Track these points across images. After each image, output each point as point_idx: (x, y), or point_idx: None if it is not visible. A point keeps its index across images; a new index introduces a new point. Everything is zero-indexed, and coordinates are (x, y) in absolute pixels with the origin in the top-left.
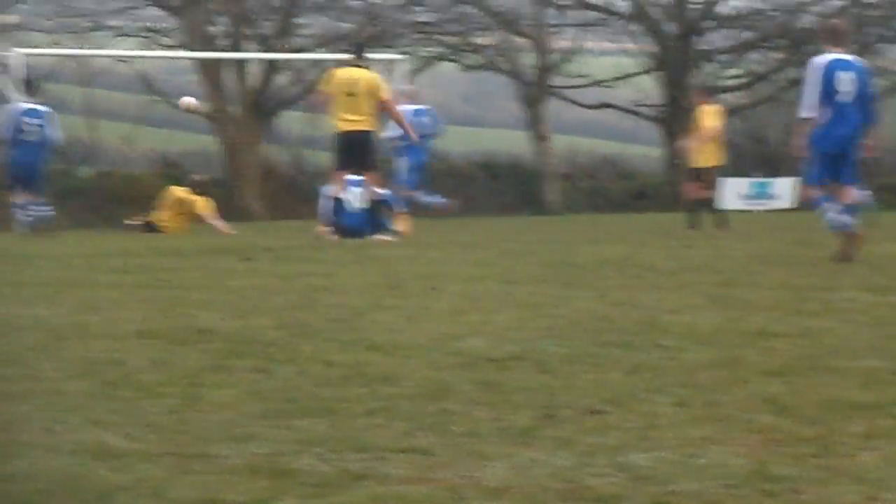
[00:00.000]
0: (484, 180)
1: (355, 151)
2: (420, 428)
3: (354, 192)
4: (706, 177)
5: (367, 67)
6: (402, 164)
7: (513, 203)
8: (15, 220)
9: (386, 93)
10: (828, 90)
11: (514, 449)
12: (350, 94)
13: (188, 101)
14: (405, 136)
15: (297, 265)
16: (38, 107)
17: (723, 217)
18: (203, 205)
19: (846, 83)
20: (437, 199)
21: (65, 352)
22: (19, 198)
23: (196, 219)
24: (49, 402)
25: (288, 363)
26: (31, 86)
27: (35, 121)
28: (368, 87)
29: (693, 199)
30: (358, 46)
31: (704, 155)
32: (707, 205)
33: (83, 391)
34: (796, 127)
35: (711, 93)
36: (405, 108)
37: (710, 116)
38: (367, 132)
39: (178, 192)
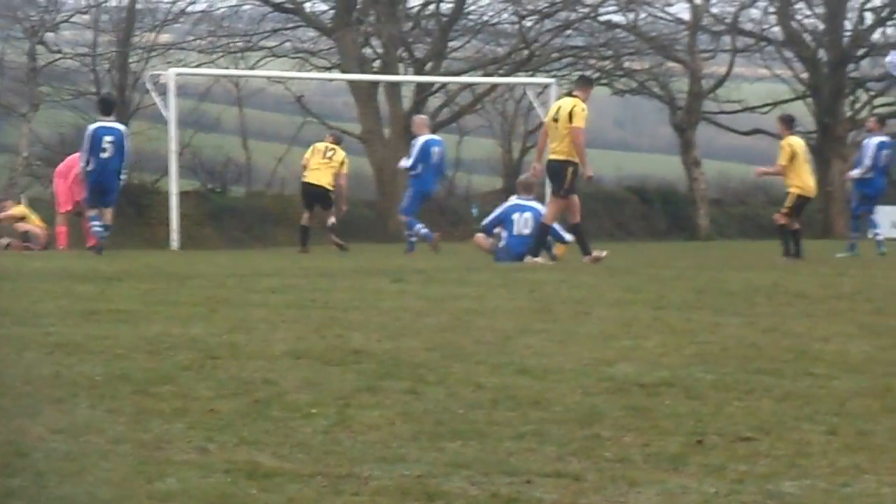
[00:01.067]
0: (635, 205)
1: (551, 178)
2: (570, 452)
3: (524, 218)
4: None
5: (579, 97)
6: (408, 192)
7: (663, 228)
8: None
9: (578, 120)
10: None
11: (664, 475)
12: (553, 121)
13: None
14: (415, 166)
15: (448, 287)
16: (114, 125)
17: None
18: (342, 158)
19: None
20: (426, 232)
21: (218, 371)
22: (92, 212)
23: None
24: (202, 420)
25: (438, 385)
26: (106, 103)
27: (110, 138)
28: (565, 115)
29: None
30: (582, 78)
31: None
32: (789, 232)
33: (236, 410)
34: None
35: (790, 124)
36: (419, 138)
37: (782, 152)
38: (560, 161)
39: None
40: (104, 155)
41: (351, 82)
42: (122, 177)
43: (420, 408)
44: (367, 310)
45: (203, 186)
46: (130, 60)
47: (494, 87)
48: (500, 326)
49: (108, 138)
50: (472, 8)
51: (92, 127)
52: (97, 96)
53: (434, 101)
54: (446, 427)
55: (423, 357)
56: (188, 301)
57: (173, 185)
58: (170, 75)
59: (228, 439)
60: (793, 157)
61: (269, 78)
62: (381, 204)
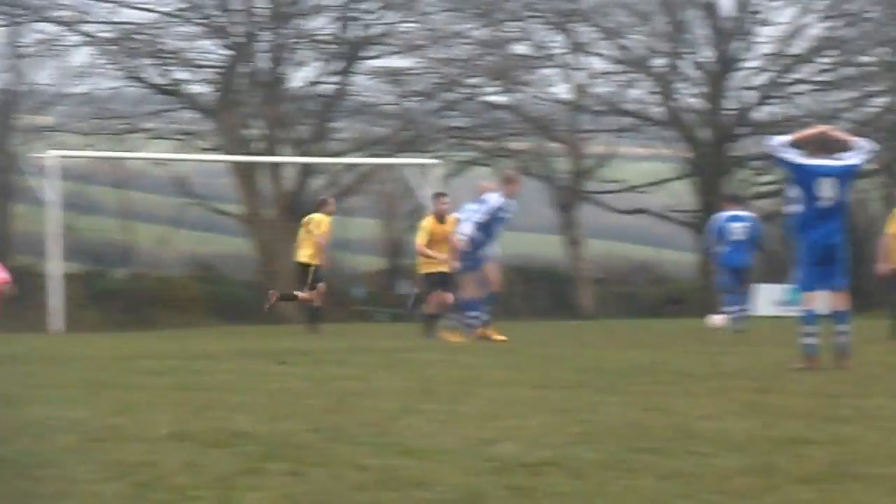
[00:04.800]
0: (518, 284)
1: None
2: None
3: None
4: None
5: None
6: None
7: (546, 307)
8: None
9: None
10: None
11: None
12: None
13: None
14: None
15: (333, 368)
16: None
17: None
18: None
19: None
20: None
21: (99, 454)
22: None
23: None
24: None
25: (321, 467)
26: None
27: (739, 224)
28: None
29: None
30: None
31: None
32: None
33: (117, 493)
34: None
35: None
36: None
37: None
38: None
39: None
40: (735, 238)
41: (233, 163)
42: None
43: (302, 489)
44: (250, 391)
45: (86, 269)
46: (12, 143)
47: (377, 167)
48: (384, 407)
49: (737, 225)
50: (354, 89)
51: (718, 216)
52: None
53: (317, 182)
54: None
55: (306, 438)
56: (70, 383)
57: (53, 268)
58: (51, 158)
59: None
60: None
61: (150, 159)
62: (270, 284)
